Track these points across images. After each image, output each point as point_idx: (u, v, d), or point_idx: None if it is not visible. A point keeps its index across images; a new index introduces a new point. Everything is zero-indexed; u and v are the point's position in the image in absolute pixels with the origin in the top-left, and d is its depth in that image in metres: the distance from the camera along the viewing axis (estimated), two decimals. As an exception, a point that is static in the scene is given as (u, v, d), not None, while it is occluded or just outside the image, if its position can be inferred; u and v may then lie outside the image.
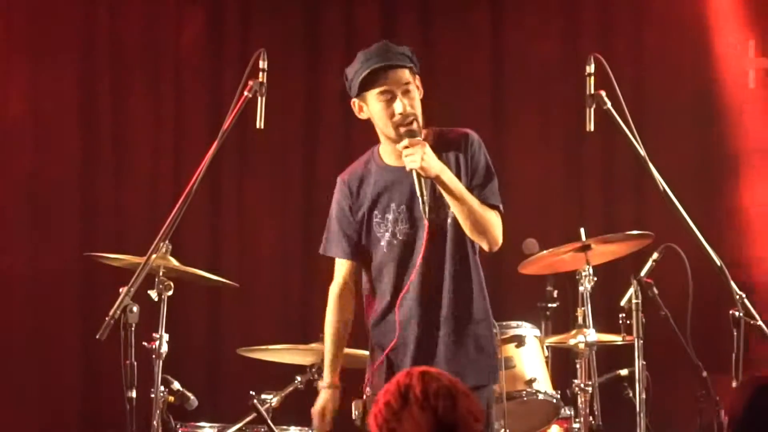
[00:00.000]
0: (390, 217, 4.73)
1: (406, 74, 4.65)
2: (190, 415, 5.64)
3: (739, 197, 7.67)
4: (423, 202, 4.58)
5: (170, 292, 5.22)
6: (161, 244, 4.70)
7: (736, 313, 4.71)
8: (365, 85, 4.65)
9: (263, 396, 5.71)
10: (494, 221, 4.65)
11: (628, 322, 5.33)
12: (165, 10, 7.88)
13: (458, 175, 4.64)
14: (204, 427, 5.77)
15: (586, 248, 6.01)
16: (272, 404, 5.72)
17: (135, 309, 4.45)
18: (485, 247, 4.66)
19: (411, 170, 4.55)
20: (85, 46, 7.82)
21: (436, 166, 4.54)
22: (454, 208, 4.60)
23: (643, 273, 5.38)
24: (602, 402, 6.02)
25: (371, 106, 4.69)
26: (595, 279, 6.00)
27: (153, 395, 5.15)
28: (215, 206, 7.82)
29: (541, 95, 7.84)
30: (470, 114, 7.50)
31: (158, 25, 7.88)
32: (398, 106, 4.62)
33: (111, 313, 4.42)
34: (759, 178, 7.66)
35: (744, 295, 4.77)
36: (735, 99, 7.64)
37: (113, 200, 7.77)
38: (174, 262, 5.49)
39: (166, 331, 5.17)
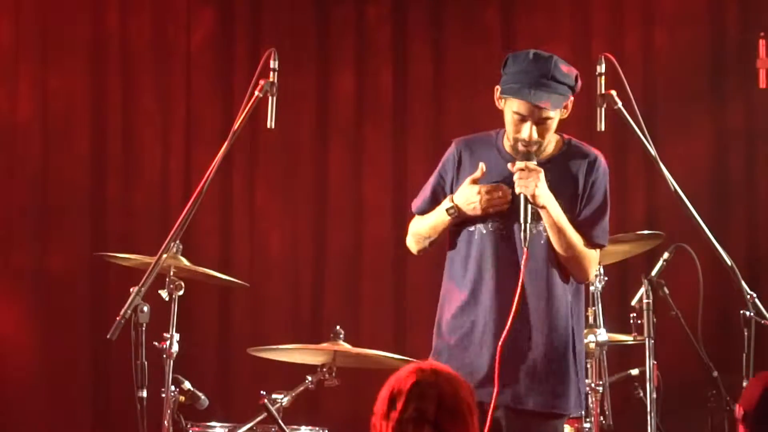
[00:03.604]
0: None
1: (550, 112, 4.50)
2: (201, 414, 5.63)
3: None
4: (525, 230, 4.42)
5: (181, 292, 5.24)
6: (172, 244, 4.70)
7: (747, 313, 4.71)
8: (509, 94, 4.53)
9: (274, 396, 5.70)
10: (592, 259, 4.58)
11: (639, 321, 5.31)
12: (175, 9, 7.87)
13: (573, 194, 4.54)
14: (215, 426, 5.76)
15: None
16: (283, 404, 5.70)
17: (146, 309, 4.45)
18: (574, 278, 4.59)
19: (519, 194, 4.43)
20: (95, 46, 7.81)
21: (545, 196, 4.43)
22: (552, 238, 4.49)
23: (654, 273, 5.35)
24: (613, 402, 6.01)
25: (506, 110, 4.57)
26: (606, 279, 5.98)
27: (164, 395, 5.15)
28: (226, 206, 7.81)
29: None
30: (480, 114, 7.47)
31: (168, 24, 7.87)
32: (525, 132, 4.49)
33: (122, 312, 4.42)
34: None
35: (755, 295, 4.77)
36: (745, 99, 7.62)
37: (123, 200, 7.76)
38: (185, 262, 5.49)
39: (176, 331, 5.18)
